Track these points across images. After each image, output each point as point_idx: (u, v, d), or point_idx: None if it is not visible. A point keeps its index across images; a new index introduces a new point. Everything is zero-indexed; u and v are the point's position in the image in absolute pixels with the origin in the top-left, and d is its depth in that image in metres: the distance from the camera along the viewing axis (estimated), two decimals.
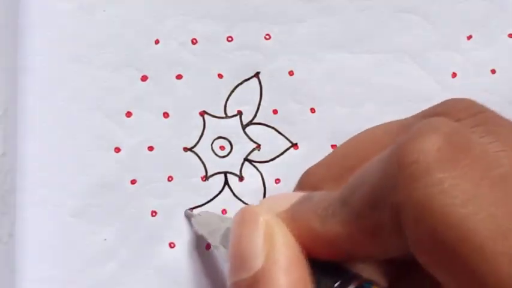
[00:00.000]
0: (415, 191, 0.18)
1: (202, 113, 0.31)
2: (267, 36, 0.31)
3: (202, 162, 0.31)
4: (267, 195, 0.31)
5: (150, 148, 0.30)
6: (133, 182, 0.30)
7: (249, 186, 0.31)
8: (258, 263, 0.22)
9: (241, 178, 0.31)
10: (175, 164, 0.30)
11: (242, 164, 0.31)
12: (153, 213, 0.30)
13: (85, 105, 0.30)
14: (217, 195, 0.31)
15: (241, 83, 0.31)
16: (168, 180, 0.30)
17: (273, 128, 0.31)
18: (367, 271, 0.23)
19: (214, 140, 0.31)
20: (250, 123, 0.31)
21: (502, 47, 0.33)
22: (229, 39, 0.31)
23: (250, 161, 0.31)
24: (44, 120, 0.29)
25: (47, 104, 0.29)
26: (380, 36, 0.32)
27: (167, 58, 0.30)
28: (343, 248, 0.22)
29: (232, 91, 0.31)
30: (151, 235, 0.30)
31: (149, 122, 0.30)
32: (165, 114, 0.30)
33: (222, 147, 0.31)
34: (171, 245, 0.30)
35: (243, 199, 0.31)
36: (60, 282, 0.29)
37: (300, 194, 0.24)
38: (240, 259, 0.22)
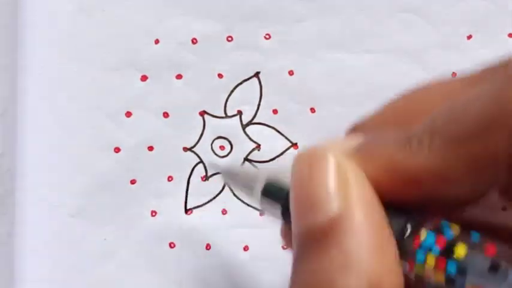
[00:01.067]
0: None
1: (202, 113, 0.31)
2: (267, 36, 0.31)
3: (202, 162, 0.31)
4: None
5: (150, 148, 0.30)
6: (133, 182, 0.30)
7: None
8: (333, 206, 0.20)
9: None
10: (175, 164, 0.30)
11: (242, 164, 0.31)
12: (153, 213, 0.30)
13: (85, 105, 0.30)
14: (217, 195, 0.31)
15: (241, 83, 0.31)
16: (168, 180, 0.30)
17: (272, 127, 0.31)
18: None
19: (214, 140, 0.31)
20: (250, 123, 0.31)
21: (502, 47, 0.32)
22: (229, 39, 0.31)
23: (250, 161, 0.31)
24: (43, 120, 0.29)
25: (47, 104, 0.29)
26: (380, 36, 0.32)
27: (167, 58, 0.30)
28: (427, 184, 0.20)
29: (232, 91, 0.31)
30: (151, 235, 0.30)
31: (149, 122, 0.30)
32: (165, 114, 0.30)
33: (222, 147, 0.31)
34: (171, 245, 0.30)
35: (243, 199, 0.31)
36: (60, 282, 0.29)
37: (362, 136, 0.22)
38: (311, 203, 0.21)
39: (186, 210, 0.30)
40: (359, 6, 0.32)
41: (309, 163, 0.21)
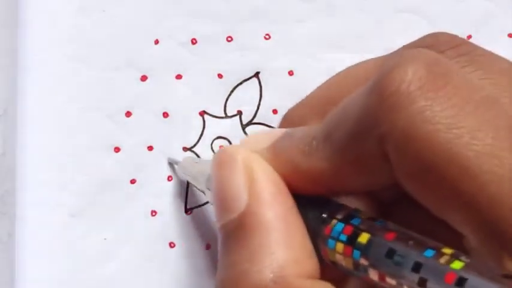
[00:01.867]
0: (399, 121, 0.19)
1: (202, 113, 0.31)
2: (267, 36, 0.31)
3: None
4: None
5: (150, 148, 0.30)
6: (133, 182, 0.30)
7: None
8: (242, 202, 0.22)
9: None
10: (175, 163, 0.30)
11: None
12: (153, 213, 0.30)
13: (85, 105, 0.30)
14: None
15: (241, 83, 0.31)
16: (168, 180, 0.30)
17: (273, 128, 0.31)
18: (352, 205, 0.23)
19: (214, 140, 0.31)
20: (250, 123, 0.31)
21: (502, 47, 0.32)
22: (229, 39, 0.31)
23: None
24: (44, 120, 0.29)
25: (47, 104, 0.29)
26: (380, 36, 0.32)
27: (167, 58, 0.30)
28: (327, 183, 0.22)
29: (232, 91, 0.31)
30: (151, 235, 0.30)
31: (149, 122, 0.30)
32: (165, 114, 0.30)
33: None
34: (171, 245, 0.30)
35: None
36: (60, 282, 0.29)
37: (282, 130, 0.24)
38: (223, 201, 0.22)
39: (186, 210, 0.30)
40: (359, 6, 0.32)
41: (219, 163, 0.23)
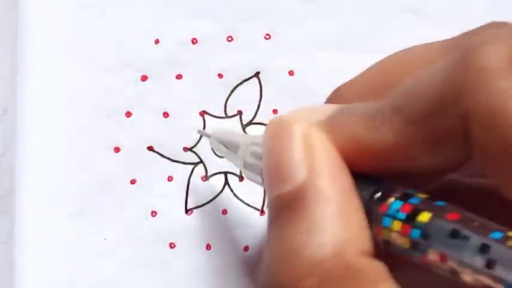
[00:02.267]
0: (486, 97, 0.18)
1: (202, 113, 0.31)
2: (267, 36, 0.31)
3: (203, 162, 0.31)
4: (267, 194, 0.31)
5: (150, 148, 0.30)
6: (133, 182, 0.30)
7: (249, 186, 0.31)
8: (300, 174, 0.21)
9: (241, 178, 0.31)
10: (175, 163, 0.30)
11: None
12: (153, 213, 0.30)
13: (85, 105, 0.30)
14: (217, 195, 0.31)
15: (241, 83, 0.31)
16: (168, 180, 0.30)
17: None
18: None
19: None
20: (250, 123, 0.31)
21: None
22: (229, 39, 0.31)
23: None
24: (43, 120, 0.29)
25: (47, 104, 0.29)
26: (380, 36, 0.32)
27: (167, 58, 0.30)
28: (391, 159, 0.21)
29: (232, 91, 0.31)
30: (151, 235, 0.30)
31: (149, 122, 0.30)
32: (165, 114, 0.30)
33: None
34: (171, 245, 0.30)
35: (243, 199, 0.31)
36: (60, 282, 0.29)
37: (335, 106, 0.23)
38: (279, 172, 0.21)
39: (186, 211, 0.30)
40: (359, 6, 0.32)
41: (276, 133, 0.22)
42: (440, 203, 0.20)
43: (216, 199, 0.31)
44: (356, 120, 0.21)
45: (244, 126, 0.31)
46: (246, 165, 0.25)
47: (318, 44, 0.31)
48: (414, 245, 0.20)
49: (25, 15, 0.29)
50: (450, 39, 0.23)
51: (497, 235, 0.18)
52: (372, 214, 0.21)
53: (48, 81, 0.29)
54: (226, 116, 0.31)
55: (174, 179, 0.30)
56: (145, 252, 0.30)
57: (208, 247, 0.30)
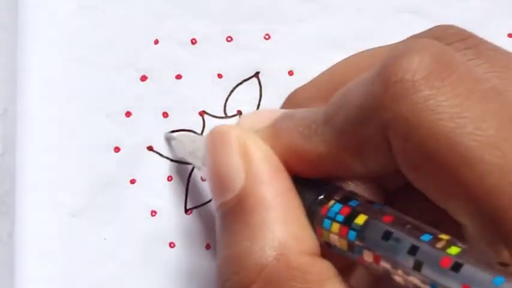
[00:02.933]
0: (402, 109, 0.19)
1: (202, 113, 0.31)
2: (267, 36, 0.31)
3: None
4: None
5: (150, 148, 0.30)
6: (133, 181, 0.30)
7: None
8: (238, 181, 0.22)
9: None
10: (175, 163, 0.30)
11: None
12: (153, 213, 0.30)
13: (85, 105, 0.30)
14: None
15: (241, 83, 0.31)
16: (168, 180, 0.30)
17: None
18: (353, 190, 0.23)
19: None
20: None
21: (502, 47, 0.32)
22: (229, 39, 0.31)
23: None
24: (43, 120, 0.29)
25: (47, 104, 0.29)
26: (380, 36, 0.32)
27: (167, 58, 0.30)
28: (326, 167, 0.22)
29: (232, 91, 0.31)
30: (151, 235, 0.30)
31: (149, 122, 0.30)
32: (165, 114, 0.30)
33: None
34: (171, 245, 0.30)
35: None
36: (60, 282, 0.29)
37: (282, 111, 0.24)
38: (219, 181, 0.22)
39: (186, 210, 0.30)
40: (359, 6, 0.32)
41: (214, 142, 0.23)
42: (378, 206, 0.21)
43: None
44: (293, 128, 0.22)
45: None
46: (204, 171, 0.26)
47: (318, 44, 0.31)
48: (351, 246, 0.20)
49: (25, 15, 0.29)
50: (389, 45, 0.25)
51: (427, 237, 0.19)
52: (315, 216, 0.22)
53: (48, 81, 0.29)
54: (226, 116, 0.31)
55: (173, 178, 0.30)
56: (145, 252, 0.30)
57: (208, 247, 0.30)
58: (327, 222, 0.21)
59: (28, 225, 0.29)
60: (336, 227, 0.21)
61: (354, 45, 0.31)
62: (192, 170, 0.30)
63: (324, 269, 0.21)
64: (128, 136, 0.30)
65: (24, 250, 0.29)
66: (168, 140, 0.30)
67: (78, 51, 0.30)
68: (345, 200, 0.21)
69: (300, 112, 0.23)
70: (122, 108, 0.30)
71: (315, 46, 0.31)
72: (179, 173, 0.30)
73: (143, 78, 0.30)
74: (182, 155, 0.29)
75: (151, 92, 0.30)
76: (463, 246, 0.18)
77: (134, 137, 0.30)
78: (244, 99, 0.31)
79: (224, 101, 0.31)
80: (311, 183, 0.22)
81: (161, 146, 0.30)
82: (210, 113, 0.31)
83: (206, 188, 0.31)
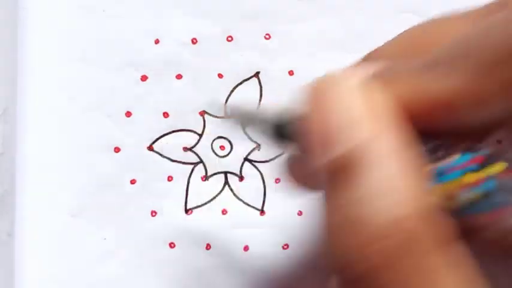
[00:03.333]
0: None
1: (202, 113, 0.31)
2: (267, 36, 0.31)
3: (202, 162, 0.31)
4: (267, 195, 0.31)
5: (150, 148, 0.30)
6: (133, 182, 0.30)
7: (249, 186, 0.31)
8: (360, 133, 0.19)
9: (241, 178, 0.31)
10: (175, 163, 0.30)
11: (242, 164, 0.31)
12: (153, 213, 0.30)
13: (85, 105, 0.30)
14: (217, 195, 0.31)
15: (241, 83, 0.31)
16: (168, 180, 0.30)
17: None
18: None
19: (214, 140, 0.31)
20: None
21: None
22: (229, 39, 0.31)
23: (250, 161, 0.31)
24: (43, 120, 0.29)
25: (46, 104, 0.29)
26: (380, 36, 0.32)
27: (167, 58, 0.30)
28: (460, 108, 0.19)
29: (232, 91, 0.31)
30: (151, 235, 0.30)
31: (149, 122, 0.30)
32: (165, 114, 0.30)
33: (222, 147, 0.31)
34: (171, 245, 0.30)
35: (243, 199, 0.31)
36: (60, 282, 0.29)
37: (381, 64, 0.21)
38: (328, 135, 0.19)
39: (186, 210, 0.30)
40: (359, 6, 0.32)
41: (323, 91, 0.20)
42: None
43: (216, 199, 0.31)
44: (415, 71, 0.19)
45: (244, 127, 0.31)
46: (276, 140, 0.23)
47: (318, 44, 0.31)
48: (485, 196, 0.18)
49: (25, 15, 0.29)
50: (485, 5, 0.22)
51: None
52: (436, 172, 0.19)
53: (48, 81, 0.29)
54: (226, 116, 0.31)
55: (174, 179, 0.30)
56: (145, 252, 0.30)
57: (208, 247, 0.30)
58: (455, 174, 0.19)
59: (28, 225, 0.29)
60: (469, 177, 0.19)
61: (354, 45, 0.31)
62: (192, 170, 0.30)
63: (442, 233, 0.18)
64: (128, 136, 0.30)
65: (24, 250, 0.29)
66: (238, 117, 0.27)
67: (78, 51, 0.30)
68: (472, 150, 0.19)
69: (407, 62, 0.20)
70: (122, 108, 0.30)
71: (315, 46, 0.31)
72: (179, 173, 0.30)
73: (143, 78, 0.30)
74: (239, 121, 0.25)
75: (151, 92, 0.30)
76: None
77: (134, 137, 0.30)
78: (245, 99, 0.31)
79: (224, 101, 0.31)
80: (429, 137, 0.20)
81: (161, 146, 0.30)
82: (211, 113, 0.31)
83: (206, 188, 0.31)
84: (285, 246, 0.31)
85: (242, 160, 0.31)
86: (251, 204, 0.31)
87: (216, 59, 0.31)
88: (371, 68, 0.20)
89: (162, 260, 0.30)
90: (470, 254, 0.19)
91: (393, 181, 0.18)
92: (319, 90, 0.20)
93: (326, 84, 0.20)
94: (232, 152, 0.31)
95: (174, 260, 0.30)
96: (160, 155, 0.30)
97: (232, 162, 0.31)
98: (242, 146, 0.31)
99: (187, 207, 0.30)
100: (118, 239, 0.30)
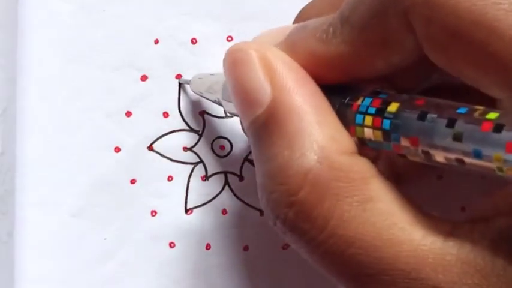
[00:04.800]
0: None
1: (202, 113, 0.31)
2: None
3: (203, 162, 0.31)
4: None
5: (150, 148, 0.30)
6: (133, 181, 0.30)
7: (250, 186, 0.31)
8: (266, 94, 0.21)
9: (241, 178, 0.31)
10: (175, 163, 0.30)
11: (242, 164, 0.31)
12: (153, 213, 0.30)
13: (85, 105, 0.30)
14: (217, 195, 0.31)
15: None
16: (168, 180, 0.30)
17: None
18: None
19: (214, 140, 0.31)
20: None
21: None
22: (229, 39, 0.31)
23: (251, 161, 0.31)
24: (43, 120, 0.29)
25: (46, 104, 0.29)
26: None
27: (167, 58, 0.30)
28: (348, 68, 0.21)
29: None
30: (151, 235, 0.30)
31: (149, 122, 0.30)
32: (165, 114, 0.30)
33: (222, 147, 0.31)
34: (171, 245, 0.30)
35: (243, 199, 0.31)
36: (60, 282, 0.29)
37: (294, 25, 0.24)
38: (246, 98, 0.22)
39: (186, 210, 0.30)
40: None
41: (234, 61, 0.23)
42: (406, 95, 0.21)
43: (216, 199, 0.31)
44: (310, 36, 0.22)
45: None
46: (225, 98, 0.26)
47: None
48: (387, 136, 0.20)
49: (25, 15, 0.29)
50: None
51: (463, 110, 0.18)
52: (346, 117, 0.21)
53: (48, 81, 0.29)
54: (226, 116, 0.31)
55: (174, 178, 0.30)
56: (145, 252, 0.30)
57: (208, 247, 0.30)
58: (359, 117, 0.21)
59: (28, 225, 0.29)
60: (369, 119, 0.21)
61: None
62: (193, 170, 0.31)
63: (366, 167, 0.21)
64: (128, 136, 0.30)
65: (24, 250, 0.29)
66: (183, 83, 0.30)
67: (78, 51, 0.30)
68: (373, 95, 0.21)
69: (313, 21, 0.23)
70: (122, 108, 0.30)
71: None
72: (179, 173, 0.30)
73: (143, 78, 0.30)
74: (199, 94, 0.29)
75: (151, 91, 0.30)
76: (500, 112, 0.18)
77: (134, 137, 0.30)
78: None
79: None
80: (335, 89, 0.22)
81: (161, 146, 0.30)
82: (211, 112, 0.31)
83: (206, 188, 0.31)
84: (285, 246, 0.31)
85: (242, 160, 0.31)
86: (251, 204, 0.31)
87: (216, 58, 0.31)
88: (285, 32, 0.23)
89: (162, 260, 0.30)
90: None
91: (307, 128, 0.21)
92: (231, 60, 0.23)
93: (236, 54, 0.23)
94: (232, 152, 0.31)
95: (174, 260, 0.30)
96: (161, 154, 0.30)
97: (233, 162, 0.31)
98: (242, 146, 0.31)
99: (188, 207, 0.30)
100: (118, 239, 0.30)
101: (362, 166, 0.21)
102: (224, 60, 0.24)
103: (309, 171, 0.20)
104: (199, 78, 0.29)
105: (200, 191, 0.31)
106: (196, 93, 0.29)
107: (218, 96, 0.27)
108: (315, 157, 0.20)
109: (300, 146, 0.21)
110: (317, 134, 0.21)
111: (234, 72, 0.23)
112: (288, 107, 0.21)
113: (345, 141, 0.21)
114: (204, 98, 0.29)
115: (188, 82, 0.30)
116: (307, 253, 0.21)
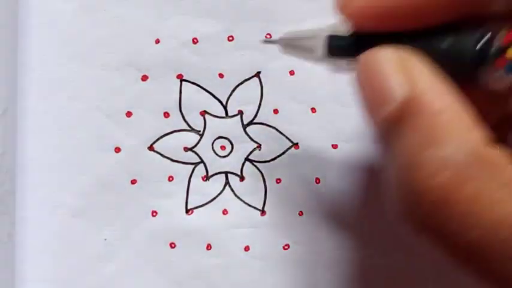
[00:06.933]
0: None
1: (203, 113, 0.31)
2: (268, 36, 0.31)
3: (203, 162, 0.31)
4: (267, 195, 0.31)
5: (151, 148, 0.30)
6: (133, 182, 0.30)
7: (250, 186, 0.31)
8: (401, 90, 0.21)
9: (242, 178, 0.31)
10: (176, 163, 0.30)
11: (243, 164, 0.31)
12: (153, 213, 0.30)
13: (85, 105, 0.30)
14: (218, 195, 0.31)
15: (241, 83, 0.31)
16: (169, 180, 0.30)
17: (273, 127, 0.31)
18: None
19: (215, 140, 0.31)
20: (251, 123, 0.31)
21: None
22: (230, 38, 0.31)
23: (251, 161, 0.31)
24: (44, 120, 0.29)
25: (47, 104, 0.29)
26: None
27: (168, 58, 0.30)
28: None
29: (233, 91, 0.31)
30: (151, 235, 0.30)
31: (149, 122, 0.30)
32: (166, 114, 0.30)
33: (222, 147, 0.31)
34: (171, 245, 0.30)
35: (243, 199, 0.31)
36: (60, 282, 0.29)
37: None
38: (379, 96, 0.22)
39: (187, 210, 0.30)
40: None
41: (365, 60, 0.23)
42: None
43: (216, 199, 0.31)
44: None
45: (245, 126, 0.31)
46: (329, 55, 0.25)
47: None
48: None
49: (25, 15, 0.29)
50: None
51: None
52: (487, 56, 0.21)
53: (48, 81, 0.29)
54: (227, 116, 0.31)
55: (174, 179, 0.30)
56: (145, 252, 0.30)
57: (208, 247, 0.30)
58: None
59: (28, 225, 0.29)
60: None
61: None
62: (193, 170, 0.30)
63: (507, 155, 0.20)
64: (128, 136, 0.30)
65: (24, 250, 0.29)
66: (270, 43, 0.28)
67: (79, 51, 0.30)
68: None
69: None
70: (123, 108, 0.30)
71: None
72: (180, 173, 0.30)
73: (144, 77, 0.30)
74: (293, 52, 0.27)
75: (152, 91, 0.30)
76: None
77: (135, 137, 0.30)
78: (245, 99, 0.31)
79: (225, 100, 0.31)
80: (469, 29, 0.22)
81: (161, 146, 0.30)
82: (211, 112, 0.31)
83: (207, 188, 0.31)
84: (285, 246, 0.31)
85: (243, 160, 0.31)
86: (252, 204, 0.31)
87: (216, 58, 0.31)
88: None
89: (162, 260, 0.30)
90: None
91: (448, 120, 0.21)
92: (364, 62, 0.23)
93: (368, 56, 0.23)
94: (232, 152, 0.31)
95: (174, 260, 0.30)
96: (161, 155, 0.30)
97: (233, 162, 0.31)
98: (243, 146, 0.31)
99: (188, 207, 0.30)
100: (118, 239, 0.30)
101: (503, 155, 0.20)
102: (360, 60, 0.23)
103: (450, 157, 0.20)
104: (290, 38, 0.26)
105: (201, 191, 0.30)
106: (288, 53, 0.27)
107: (318, 54, 0.25)
108: (464, 151, 0.20)
109: (443, 139, 0.20)
110: (458, 126, 0.21)
111: (367, 71, 0.23)
112: (425, 101, 0.21)
113: (484, 132, 0.21)
114: (299, 57, 0.27)
115: (275, 42, 0.27)
116: (451, 245, 0.20)
